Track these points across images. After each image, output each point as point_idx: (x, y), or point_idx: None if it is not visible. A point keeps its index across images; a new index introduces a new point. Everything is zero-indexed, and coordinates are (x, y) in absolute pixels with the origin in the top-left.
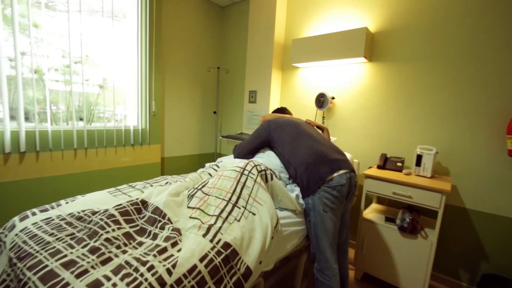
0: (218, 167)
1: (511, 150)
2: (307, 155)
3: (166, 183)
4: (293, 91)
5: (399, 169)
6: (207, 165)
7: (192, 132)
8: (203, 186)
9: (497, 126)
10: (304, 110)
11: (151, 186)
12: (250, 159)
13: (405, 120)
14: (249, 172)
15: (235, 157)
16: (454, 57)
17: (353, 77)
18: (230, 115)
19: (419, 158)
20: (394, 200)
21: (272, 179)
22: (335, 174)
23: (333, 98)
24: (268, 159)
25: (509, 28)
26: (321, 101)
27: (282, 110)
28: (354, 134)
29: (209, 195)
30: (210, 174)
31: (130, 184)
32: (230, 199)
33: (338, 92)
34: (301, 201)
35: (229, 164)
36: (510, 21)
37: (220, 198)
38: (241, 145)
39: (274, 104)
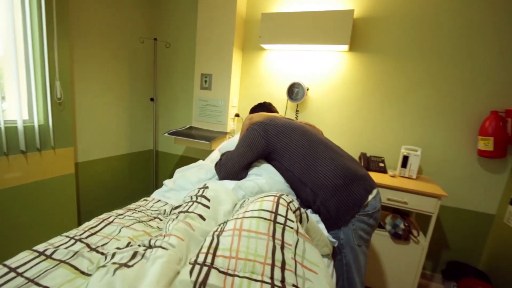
0: (209, 199)
1: (481, 150)
2: (333, 173)
3: (114, 254)
4: (257, 78)
5: (383, 170)
6: (187, 197)
7: (119, 125)
8: (213, 256)
9: (470, 127)
10: (271, 102)
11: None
12: (278, 193)
13: (384, 117)
14: (286, 218)
15: (223, 177)
16: (435, 55)
17: (331, 67)
18: (174, 104)
19: (405, 159)
20: (383, 205)
21: (308, 219)
22: (370, 197)
23: (307, 89)
24: (270, 176)
25: (487, 34)
26: (295, 91)
27: (268, 108)
28: (330, 130)
29: (234, 275)
30: (202, 217)
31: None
32: (272, 277)
33: (313, 82)
34: (330, 237)
35: (223, 192)
36: (488, 27)
37: (257, 281)
38: (229, 160)
39: (236, 93)
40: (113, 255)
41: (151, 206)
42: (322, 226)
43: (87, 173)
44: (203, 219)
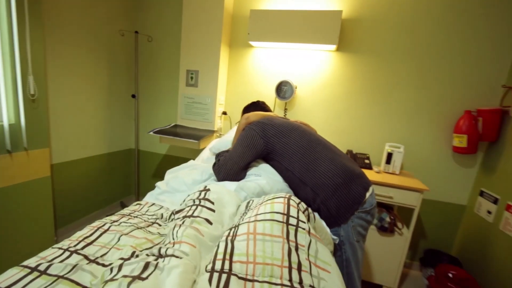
0: (213, 202)
1: (456, 146)
2: (333, 172)
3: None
4: (245, 75)
5: (369, 167)
6: (189, 200)
7: (98, 124)
8: (230, 262)
9: (446, 125)
10: (259, 100)
11: None
12: (287, 194)
13: (369, 115)
14: (298, 219)
15: (222, 178)
16: (416, 57)
17: (319, 66)
18: (158, 101)
19: (389, 156)
20: None
21: (315, 218)
22: (368, 195)
23: (295, 87)
24: (269, 177)
25: (464, 39)
26: (284, 90)
27: (261, 107)
28: (318, 128)
29: (254, 280)
30: (208, 221)
31: None
32: (291, 279)
33: (301, 81)
34: (332, 235)
35: (226, 194)
36: (465, 33)
37: (277, 285)
38: (227, 161)
39: (223, 90)
40: (120, 267)
41: (147, 211)
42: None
43: (63, 175)
44: (210, 223)
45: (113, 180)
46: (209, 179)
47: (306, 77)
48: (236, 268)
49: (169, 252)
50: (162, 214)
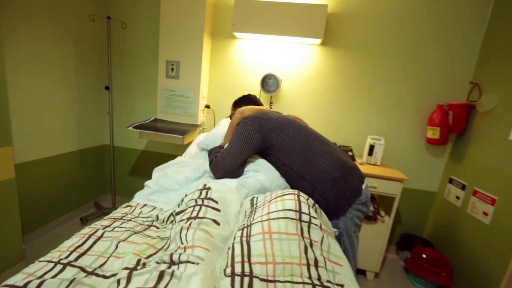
0: (216, 202)
1: (429, 138)
2: (331, 166)
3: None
4: (228, 67)
5: (352, 159)
6: (191, 200)
7: (67, 118)
8: (249, 264)
9: (421, 118)
10: (245, 93)
11: None
12: (295, 191)
13: (351, 109)
14: (309, 215)
15: (221, 175)
16: (395, 54)
17: (304, 60)
18: (134, 93)
19: (371, 148)
20: None
21: (321, 213)
22: (363, 187)
23: (281, 81)
24: (268, 172)
25: (438, 39)
26: (269, 83)
27: (253, 101)
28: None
29: (276, 281)
30: (216, 222)
31: None
32: (310, 276)
33: (286, 74)
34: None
35: (229, 192)
36: (436, 33)
37: (299, 283)
38: (225, 157)
39: (205, 82)
40: (129, 278)
41: (140, 213)
42: None
43: (29, 175)
44: (217, 223)
45: (86, 179)
46: (203, 176)
47: (291, 70)
48: (256, 269)
49: (183, 258)
50: (157, 216)
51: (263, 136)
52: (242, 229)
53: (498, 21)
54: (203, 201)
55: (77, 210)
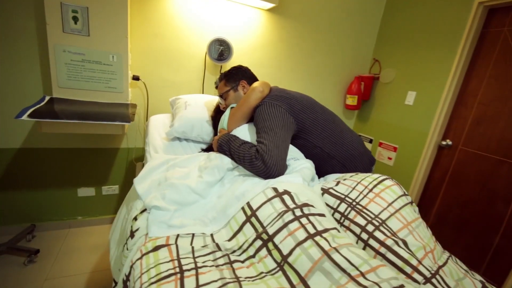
0: (315, 207)
1: (348, 104)
2: (356, 142)
3: None
4: (159, 27)
5: None
6: (276, 216)
7: None
8: (421, 260)
9: (342, 87)
10: (186, 61)
11: None
12: (385, 176)
13: (290, 79)
14: (405, 194)
15: (277, 173)
16: (327, 31)
17: (252, 26)
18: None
19: None
20: None
21: None
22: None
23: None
24: (302, 157)
25: (354, 20)
26: (220, 50)
27: (250, 74)
28: None
29: (440, 266)
30: (337, 229)
31: None
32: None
33: (234, 41)
34: None
35: (308, 191)
36: (354, 14)
37: (446, 264)
38: (272, 150)
39: (136, 44)
40: None
41: (189, 252)
42: None
43: None
44: (338, 231)
45: None
46: (224, 176)
47: (239, 36)
48: (428, 263)
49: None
50: (217, 245)
51: (296, 118)
52: (378, 229)
53: (390, 10)
54: (302, 210)
55: None
